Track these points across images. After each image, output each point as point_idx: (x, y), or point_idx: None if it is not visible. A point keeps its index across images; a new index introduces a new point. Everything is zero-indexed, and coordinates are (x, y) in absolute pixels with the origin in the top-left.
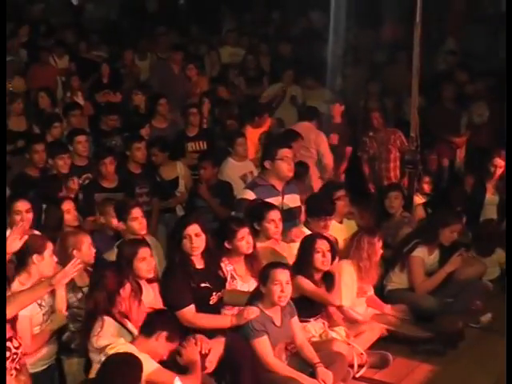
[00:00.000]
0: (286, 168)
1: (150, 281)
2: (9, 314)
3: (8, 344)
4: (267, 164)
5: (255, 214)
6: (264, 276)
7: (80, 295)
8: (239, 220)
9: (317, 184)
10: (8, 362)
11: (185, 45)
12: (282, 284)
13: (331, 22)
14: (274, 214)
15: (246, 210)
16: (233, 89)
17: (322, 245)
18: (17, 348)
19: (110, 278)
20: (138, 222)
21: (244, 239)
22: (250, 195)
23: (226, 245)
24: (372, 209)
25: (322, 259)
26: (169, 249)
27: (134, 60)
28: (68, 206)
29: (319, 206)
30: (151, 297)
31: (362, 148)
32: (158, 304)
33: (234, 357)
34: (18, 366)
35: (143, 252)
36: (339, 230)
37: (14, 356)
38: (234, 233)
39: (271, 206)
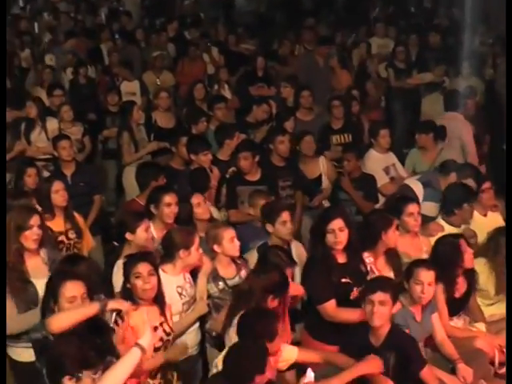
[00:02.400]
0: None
1: None
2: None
3: (160, 332)
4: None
5: (394, 207)
6: (408, 273)
7: (221, 285)
8: (386, 214)
9: None
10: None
11: (332, 36)
12: (424, 285)
13: (480, 11)
14: (413, 208)
15: (386, 202)
16: (380, 81)
17: (464, 244)
18: (168, 334)
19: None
20: (286, 226)
21: (394, 233)
22: (416, 186)
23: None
24: None
25: (469, 257)
26: (312, 243)
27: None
28: (198, 200)
29: (458, 194)
30: None
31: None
32: None
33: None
34: None
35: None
36: (483, 223)
37: (167, 343)
38: (389, 225)
39: (410, 200)
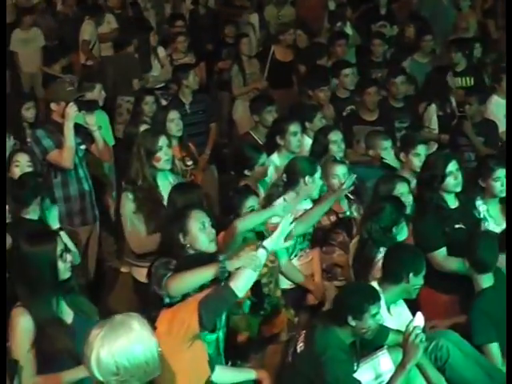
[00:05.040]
0: None
1: None
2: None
3: None
4: None
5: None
6: None
7: (333, 218)
8: (498, 159)
9: None
10: None
11: None
12: None
13: None
14: None
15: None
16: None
17: None
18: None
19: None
20: (419, 159)
21: (500, 180)
22: None
23: (480, 183)
24: None
25: None
26: (420, 188)
27: None
28: (336, 137)
29: None
30: None
31: None
32: None
33: None
34: None
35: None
36: None
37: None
38: (491, 172)
39: None
